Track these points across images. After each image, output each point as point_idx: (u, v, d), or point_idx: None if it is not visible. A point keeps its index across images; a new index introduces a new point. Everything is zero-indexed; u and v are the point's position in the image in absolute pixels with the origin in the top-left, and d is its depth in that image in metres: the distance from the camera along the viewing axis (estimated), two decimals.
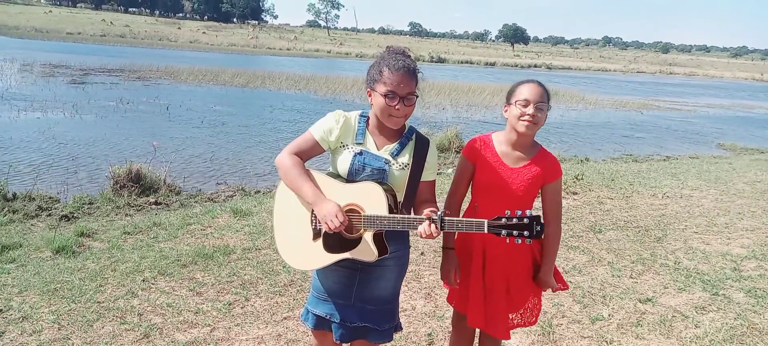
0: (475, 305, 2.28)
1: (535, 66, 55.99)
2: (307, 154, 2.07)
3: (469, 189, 2.34)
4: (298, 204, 2.07)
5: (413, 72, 2.00)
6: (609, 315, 3.58)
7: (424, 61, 52.31)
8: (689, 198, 6.87)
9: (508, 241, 1.87)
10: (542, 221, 1.89)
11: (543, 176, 2.18)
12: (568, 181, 7.03)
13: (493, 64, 53.37)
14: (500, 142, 2.23)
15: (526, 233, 1.85)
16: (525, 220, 1.84)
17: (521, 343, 3.19)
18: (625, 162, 9.93)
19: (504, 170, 2.18)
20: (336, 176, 2.08)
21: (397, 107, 1.97)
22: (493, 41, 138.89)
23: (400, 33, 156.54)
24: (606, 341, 3.25)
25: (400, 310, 3.45)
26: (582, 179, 7.27)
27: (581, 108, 19.77)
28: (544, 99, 2.12)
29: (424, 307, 3.57)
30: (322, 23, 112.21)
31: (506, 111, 2.19)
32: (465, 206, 2.38)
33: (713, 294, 3.97)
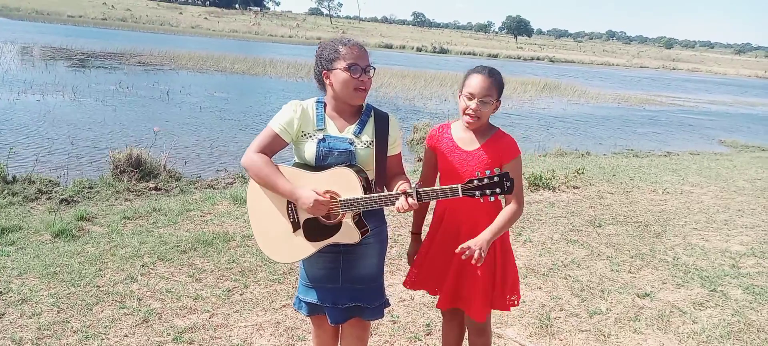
0: (443, 284, 2.32)
1: (538, 59, 55.76)
2: (271, 149, 2.08)
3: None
4: (271, 200, 2.08)
5: (364, 47, 2.07)
6: (607, 309, 3.59)
7: (426, 51, 52.13)
8: (689, 194, 6.87)
9: (482, 200, 1.95)
10: (511, 176, 1.95)
11: (499, 158, 2.19)
12: (569, 175, 7.03)
13: (495, 56, 53.14)
14: (457, 129, 2.28)
15: (498, 190, 1.93)
16: (495, 178, 1.93)
17: (519, 335, 3.20)
18: (626, 157, 9.92)
19: (459, 154, 2.23)
20: (303, 166, 2.09)
21: (362, 79, 2.02)
22: (497, 33, 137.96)
23: (403, 23, 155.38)
24: (603, 335, 3.26)
25: (399, 300, 3.48)
26: (583, 173, 7.26)
27: (583, 102, 19.72)
28: (490, 92, 2.12)
29: (422, 298, 3.57)
30: (325, 11, 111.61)
31: (460, 97, 2.21)
32: None
33: (711, 290, 3.98)
